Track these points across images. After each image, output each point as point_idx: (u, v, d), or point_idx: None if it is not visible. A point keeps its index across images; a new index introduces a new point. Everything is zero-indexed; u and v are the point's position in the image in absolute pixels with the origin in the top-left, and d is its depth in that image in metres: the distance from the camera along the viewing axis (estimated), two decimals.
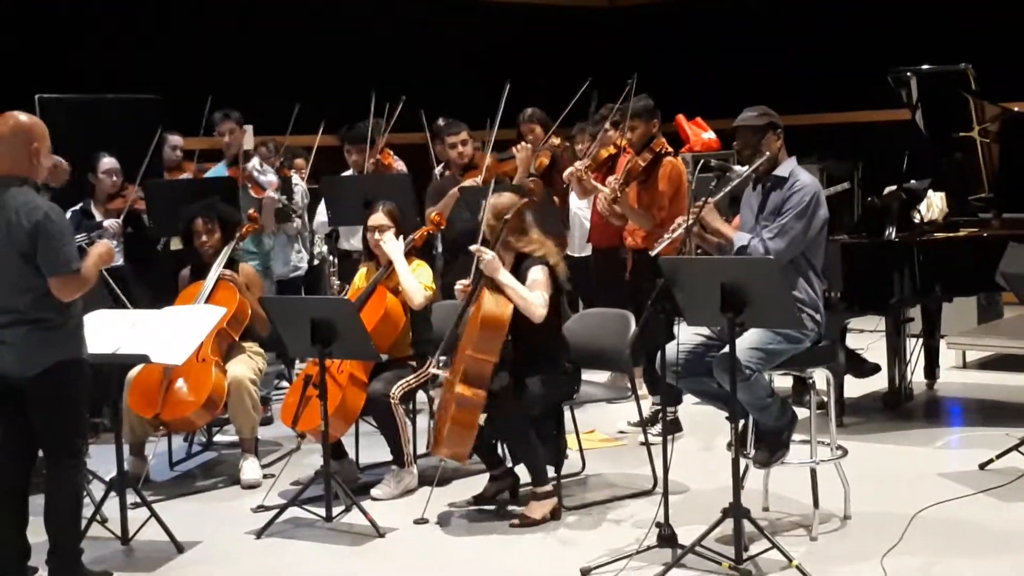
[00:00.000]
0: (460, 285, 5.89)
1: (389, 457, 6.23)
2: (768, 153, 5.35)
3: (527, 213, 5.81)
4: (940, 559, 5.04)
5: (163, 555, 5.40)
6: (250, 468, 6.43)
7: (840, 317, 6.83)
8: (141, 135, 8.27)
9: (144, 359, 5.51)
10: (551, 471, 5.73)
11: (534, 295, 5.63)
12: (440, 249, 8.34)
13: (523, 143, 7.88)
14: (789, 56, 12.28)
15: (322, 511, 5.72)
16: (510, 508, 5.82)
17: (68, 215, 6.08)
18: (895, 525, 5.32)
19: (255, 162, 8.07)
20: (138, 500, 5.59)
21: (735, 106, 5.65)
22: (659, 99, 7.12)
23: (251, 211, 7.33)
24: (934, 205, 7.53)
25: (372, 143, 8.07)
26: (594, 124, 7.93)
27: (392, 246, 6.23)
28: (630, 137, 6.99)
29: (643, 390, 6.97)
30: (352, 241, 8.11)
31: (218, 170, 8.18)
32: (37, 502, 4.91)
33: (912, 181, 7.32)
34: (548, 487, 5.69)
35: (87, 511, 5.32)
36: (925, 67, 7.46)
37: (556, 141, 8.09)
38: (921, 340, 7.84)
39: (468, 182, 7.52)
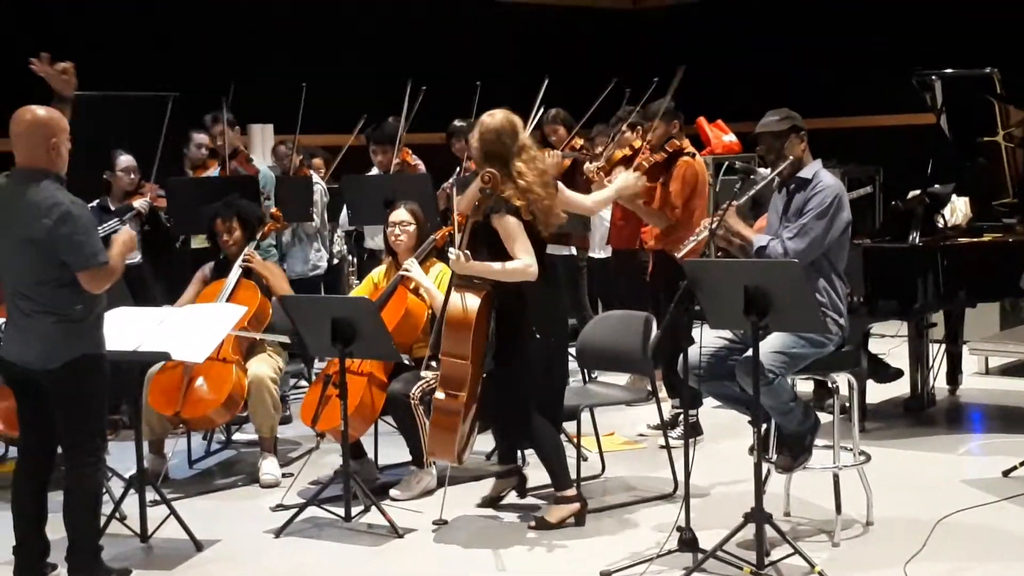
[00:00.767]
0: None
1: (408, 458, 6.21)
2: (791, 157, 5.32)
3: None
4: (964, 566, 5.00)
5: (182, 553, 5.39)
6: (269, 467, 6.42)
7: (863, 322, 6.79)
8: (159, 132, 8.29)
9: (165, 356, 5.52)
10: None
11: (514, 263, 5.37)
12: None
13: (551, 150, 7.89)
14: (812, 59, 12.25)
15: (341, 511, 5.70)
16: (535, 511, 5.79)
17: None
18: (918, 532, 5.29)
19: (244, 159, 8.16)
20: (157, 498, 5.59)
21: (757, 109, 5.62)
22: (681, 101, 7.11)
23: (274, 209, 7.33)
24: (958, 210, 7.50)
25: (396, 143, 8.08)
26: (612, 126, 7.93)
27: (416, 271, 6.18)
28: (650, 138, 6.98)
29: (663, 393, 6.94)
30: (377, 240, 8.10)
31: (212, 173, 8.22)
32: (57, 499, 4.90)
33: (936, 185, 7.27)
34: (570, 491, 5.62)
35: (106, 508, 5.31)
36: (950, 71, 7.42)
37: (579, 143, 8.08)
38: (944, 345, 7.80)
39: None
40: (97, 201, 7.68)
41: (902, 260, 6.95)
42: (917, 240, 6.94)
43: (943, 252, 6.90)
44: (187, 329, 5.48)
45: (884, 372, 7.50)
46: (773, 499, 5.29)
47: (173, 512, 5.51)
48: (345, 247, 9.43)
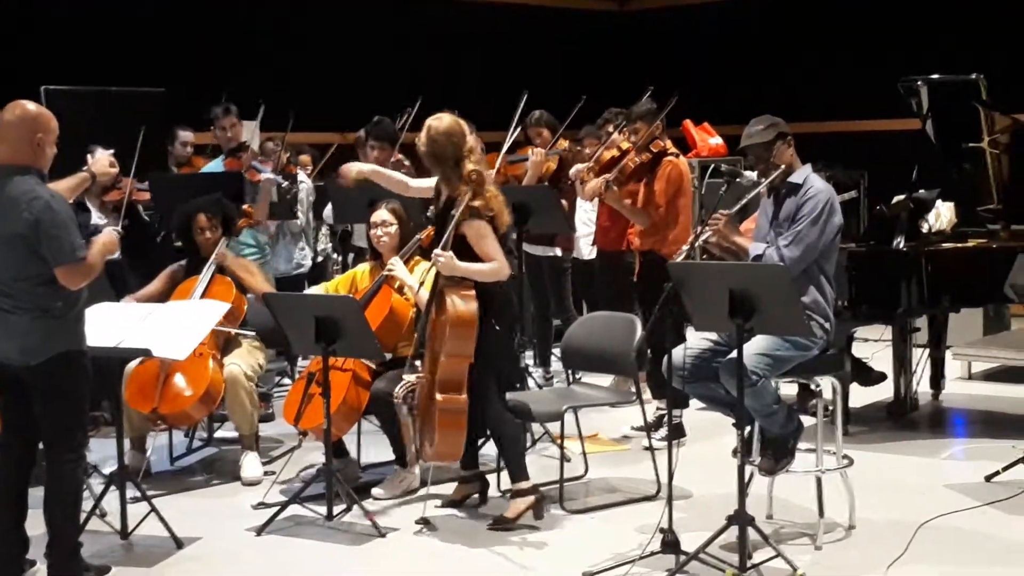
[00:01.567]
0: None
1: (391, 457, 6.20)
2: (782, 165, 5.32)
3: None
4: (946, 570, 5.02)
5: (162, 550, 5.37)
6: (251, 465, 6.40)
7: (846, 326, 6.79)
8: (146, 128, 8.23)
9: (146, 353, 5.50)
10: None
11: (491, 264, 5.50)
12: None
13: (537, 148, 7.90)
14: (798, 63, 12.28)
15: (323, 509, 5.69)
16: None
17: None
18: (900, 535, 5.29)
19: (252, 153, 8.09)
20: (138, 495, 5.56)
21: (743, 112, 5.63)
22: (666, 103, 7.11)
23: (246, 206, 7.29)
24: (942, 215, 7.51)
25: (394, 142, 8.07)
26: (598, 127, 7.94)
27: (400, 271, 6.17)
28: (634, 139, 7.01)
29: (647, 394, 6.94)
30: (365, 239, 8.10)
31: (215, 165, 8.16)
32: (37, 495, 4.87)
33: (921, 191, 7.30)
34: (525, 483, 5.61)
35: (87, 505, 5.28)
36: (936, 76, 7.43)
37: (564, 144, 8.08)
38: (927, 350, 7.81)
39: None
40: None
41: (886, 265, 6.96)
42: (902, 245, 6.95)
43: (927, 257, 6.92)
44: (169, 326, 5.46)
45: (867, 376, 7.52)
46: (756, 502, 5.28)
47: (154, 509, 5.48)
48: (330, 245, 9.40)
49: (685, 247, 5.37)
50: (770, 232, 5.35)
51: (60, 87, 8.80)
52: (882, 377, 7.54)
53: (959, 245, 7.23)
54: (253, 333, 6.59)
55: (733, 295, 4.72)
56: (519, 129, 8.10)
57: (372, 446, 6.58)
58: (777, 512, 5.60)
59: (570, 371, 6.98)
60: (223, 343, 6.51)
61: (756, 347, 5.07)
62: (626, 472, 6.45)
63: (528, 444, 6.41)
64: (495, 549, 5.35)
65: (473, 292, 5.47)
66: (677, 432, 6.66)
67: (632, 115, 7.04)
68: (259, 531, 5.59)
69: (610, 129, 7.68)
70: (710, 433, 6.83)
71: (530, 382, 7.66)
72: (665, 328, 5.23)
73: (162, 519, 5.45)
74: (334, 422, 5.76)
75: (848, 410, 7.03)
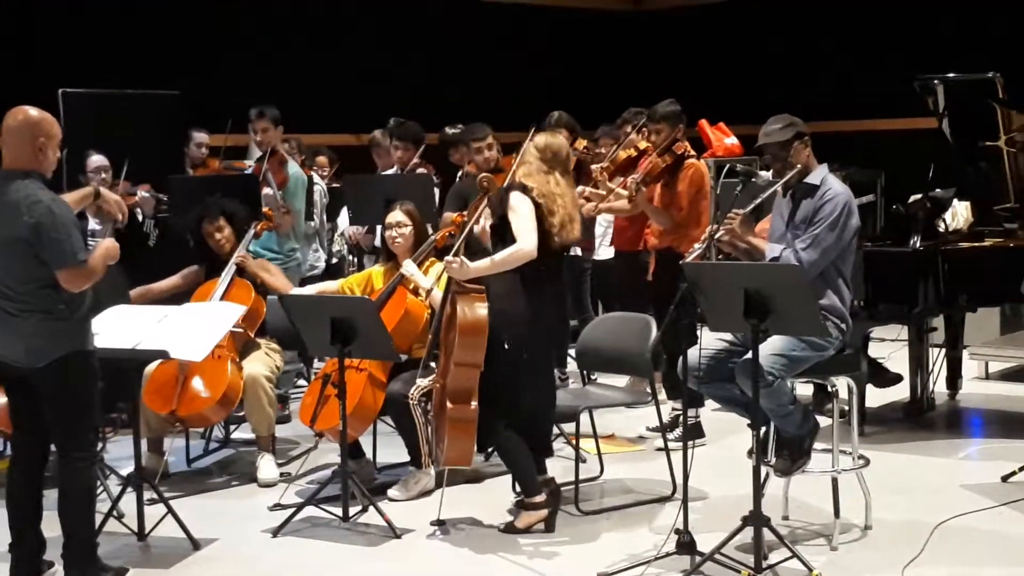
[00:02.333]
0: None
1: (406, 458, 6.20)
2: (799, 165, 5.31)
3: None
4: (962, 571, 5.00)
5: (179, 551, 5.38)
6: (267, 466, 6.41)
7: (863, 326, 6.77)
8: (162, 130, 8.28)
9: (163, 355, 5.51)
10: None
11: (510, 248, 5.36)
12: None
13: None
14: (814, 62, 12.25)
15: (339, 511, 5.70)
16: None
17: None
18: (916, 536, 5.28)
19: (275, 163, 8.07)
20: (155, 496, 5.59)
21: (759, 112, 5.62)
22: (682, 103, 7.11)
23: (265, 208, 7.31)
24: (959, 214, 7.48)
25: (418, 143, 8.08)
26: (617, 127, 7.93)
27: (413, 272, 6.16)
28: (655, 140, 7.00)
29: (663, 395, 6.94)
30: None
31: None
32: (52, 496, 4.89)
33: (937, 190, 7.26)
34: (538, 497, 5.57)
35: (104, 506, 5.31)
36: (952, 75, 7.40)
37: (582, 145, 8.08)
38: (944, 350, 7.79)
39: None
40: None
41: (903, 264, 6.94)
42: (918, 244, 6.93)
43: (944, 256, 6.89)
44: (186, 328, 5.48)
45: (884, 376, 7.49)
46: (772, 502, 5.28)
47: (171, 511, 5.50)
48: (344, 247, 9.42)
49: (698, 245, 5.36)
50: (786, 233, 5.33)
51: (77, 90, 8.84)
52: (898, 377, 7.51)
53: (976, 244, 7.21)
54: (269, 338, 6.60)
55: (748, 295, 4.70)
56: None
57: (387, 447, 6.58)
58: (793, 513, 5.58)
59: (585, 372, 6.99)
60: (242, 346, 6.53)
61: (772, 347, 5.06)
62: (641, 473, 6.44)
63: None
64: (510, 550, 5.35)
65: (484, 299, 5.42)
66: (695, 432, 6.67)
67: (656, 115, 7.01)
68: (275, 532, 5.60)
69: (628, 129, 7.68)
70: (725, 434, 6.83)
71: None
72: (680, 328, 5.22)
73: (179, 520, 5.47)
74: (350, 423, 5.77)
75: (864, 410, 6.99)
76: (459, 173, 8.34)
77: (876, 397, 7.52)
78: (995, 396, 8.18)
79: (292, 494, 6.06)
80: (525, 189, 5.44)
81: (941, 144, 7.40)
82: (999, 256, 7.10)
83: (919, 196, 7.17)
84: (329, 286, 6.67)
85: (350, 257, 9.52)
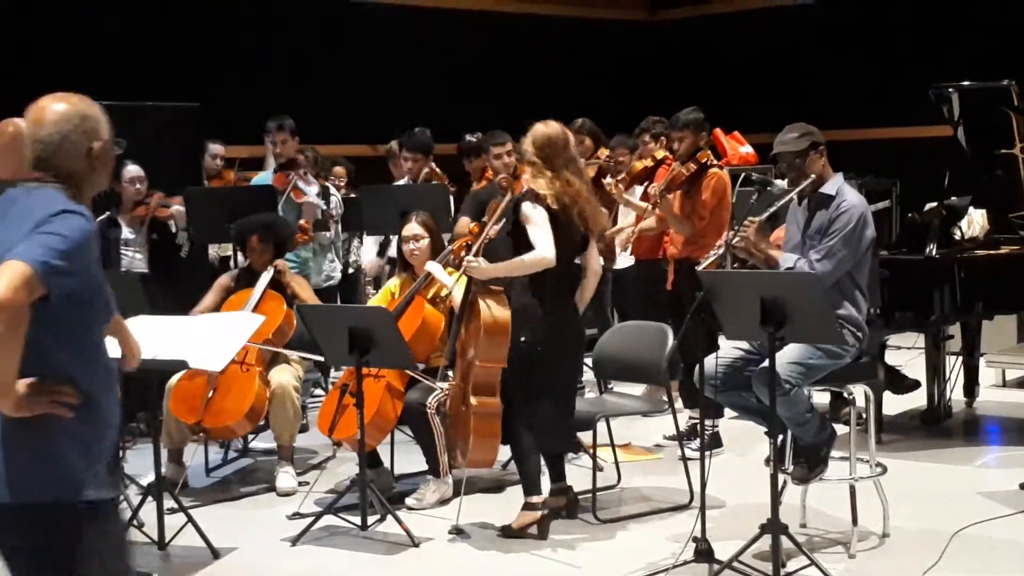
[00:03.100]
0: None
1: (424, 467, 6.23)
2: (812, 175, 5.31)
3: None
4: None
5: (199, 561, 5.41)
6: (286, 476, 6.44)
7: (879, 333, 6.78)
8: (179, 142, 8.30)
9: (183, 365, 5.54)
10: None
11: (530, 253, 5.38)
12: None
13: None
14: (829, 71, 12.25)
15: (357, 520, 5.72)
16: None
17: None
18: (934, 544, 5.28)
19: (301, 172, 8.09)
20: (175, 505, 5.62)
21: (774, 120, 5.63)
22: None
23: (302, 221, 7.34)
24: (975, 222, 7.48)
25: (428, 152, 8.11)
26: (635, 136, 7.94)
27: (437, 272, 6.18)
28: (677, 148, 7.00)
29: (679, 403, 6.94)
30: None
31: (263, 178, 8.20)
32: None
33: (953, 198, 7.27)
34: (536, 498, 5.60)
35: (125, 515, 5.31)
36: (967, 83, 7.41)
37: (603, 154, 8.09)
38: (961, 358, 7.78)
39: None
40: (107, 213, 7.68)
41: (919, 272, 6.94)
42: (934, 252, 6.93)
43: (960, 264, 6.89)
44: (205, 337, 5.50)
45: (901, 384, 7.50)
46: (789, 510, 5.28)
47: (191, 520, 5.53)
48: (363, 258, 9.45)
49: (713, 252, 5.37)
50: (801, 243, 5.34)
51: (96, 102, 8.87)
52: (916, 384, 7.51)
53: (992, 252, 7.20)
54: (296, 353, 6.61)
55: (764, 303, 4.71)
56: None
57: (405, 456, 6.60)
58: (810, 521, 5.59)
59: (602, 380, 7.01)
60: (270, 359, 6.56)
61: (788, 356, 5.07)
62: (659, 481, 6.45)
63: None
64: (528, 558, 5.37)
65: (504, 297, 5.49)
66: (714, 442, 6.67)
67: (679, 122, 7.01)
68: (294, 541, 5.63)
69: (647, 138, 7.69)
70: (743, 442, 6.83)
71: None
72: (697, 337, 5.23)
73: (199, 529, 5.50)
74: (368, 432, 5.80)
75: (881, 418, 7.00)
76: (474, 184, 8.38)
77: (893, 405, 7.52)
78: (1012, 404, 8.16)
79: (311, 503, 6.09)
80: (536, 198, 5.45)
81: (957, 152, 7.40)
82: (1015, 264, 7.09)
83: (935, 204, 7.17)
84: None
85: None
